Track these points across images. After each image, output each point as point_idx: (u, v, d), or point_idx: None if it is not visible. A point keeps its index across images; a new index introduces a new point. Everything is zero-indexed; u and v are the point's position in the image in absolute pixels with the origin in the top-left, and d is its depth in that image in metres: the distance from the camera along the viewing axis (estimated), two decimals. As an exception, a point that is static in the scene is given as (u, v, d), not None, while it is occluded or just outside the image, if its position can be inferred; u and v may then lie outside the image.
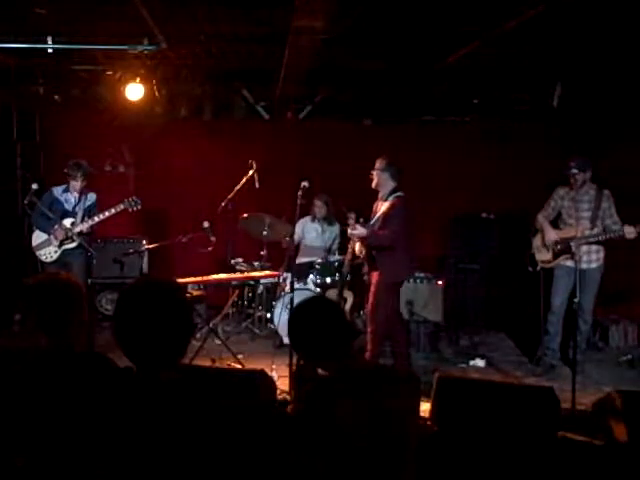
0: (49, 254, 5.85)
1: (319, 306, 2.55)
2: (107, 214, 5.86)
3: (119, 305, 1.99)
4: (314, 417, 2.25)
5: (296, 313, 2.56)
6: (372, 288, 5.29)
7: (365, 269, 5.54)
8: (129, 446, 1.82)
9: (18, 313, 6.51)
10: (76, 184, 5.91)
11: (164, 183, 7.92)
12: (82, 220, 5.88)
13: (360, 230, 5.11)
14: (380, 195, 5.33)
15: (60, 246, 5.82)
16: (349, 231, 5.28)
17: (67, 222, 5.87)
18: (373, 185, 5.32)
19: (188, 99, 7.59)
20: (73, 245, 5.84)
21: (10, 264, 6.98)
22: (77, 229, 5.83)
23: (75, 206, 5.96)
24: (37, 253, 5.91)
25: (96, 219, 5.87)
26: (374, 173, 5.30)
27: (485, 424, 2.87)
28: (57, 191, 5.99)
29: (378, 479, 2.22)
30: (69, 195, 5.98)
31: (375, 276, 5.23)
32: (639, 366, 6.02)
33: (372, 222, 5.27)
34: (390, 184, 5.27)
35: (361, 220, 5.23)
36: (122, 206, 5.88)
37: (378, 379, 2.38)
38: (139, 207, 5.94)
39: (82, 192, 5.97)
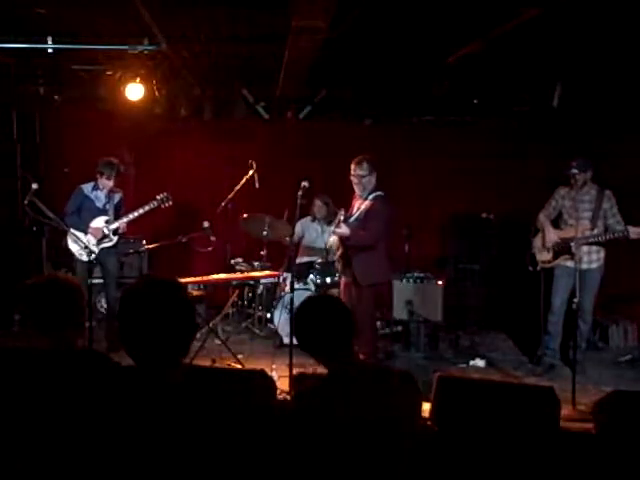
0: (86, 253, 5.87)
1: (326, 303, 2.55)
2: (141, 211, 5.99)
3: (122, 304, 1.99)
4: (313, 416, 2.26)
5: (303, 308, 2.53)
6: (344, 287, 5.27)
7: (338, 267, 5.50)
8: (130, 445, 1.82)
9: (18, 313, 6.52)
10: (108, 183, 5.98)
11: (164, 183, 7.89)
12: (115, 218, 5.97)
13: (344, 229, 5.07)
14: (360, 194, 5.27)
15: (98, 244, 5.89)
16: (333, 228, 5.24)
17: (101, 220, 5.96)
18: (360, 191, 5.25)
19: (188, 99, 7.59)
20: (111, 244, 5.95)
21: (10, 264, 6.98)
22: (113, 226, 5.93)
23: (106, 204, 6.03)
24: (74, 252, 5.96)
25: (131, 216, 5.98)
26: (358, 180, 5.19)
27: (485, 424, 2.87)
28: (87, 189, 6.06)
29: (375, 477, 2.22)
30: (99, 193, 6.05)
31: (349, 276, 5.20)
32: (639, 366, 6.03)
33: (351, 220, 5.22)
34: (373, 184, 5.23)
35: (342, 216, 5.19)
36: (155, 203, 6.00)
37: (376, 378, 2.39)
38: (170, 203, 6.10)
39: (111, 190, 6.06)
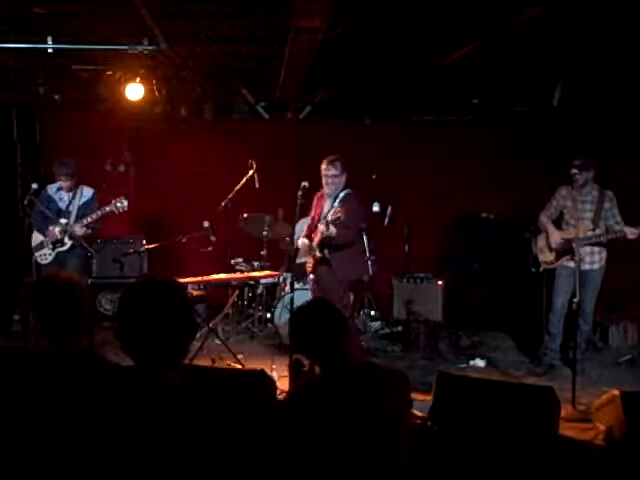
0: (44, 256, 5.80)
1: (320, 308, 2.64)
2: (94, 216, 5.74)
3: (122, 305, 1.99)
4: (307, 413, 2.27)
5: (297, 314, 2.66)
6: (315, 284, 5.25)
7: (308, 267, 5.43)
8: (130, 446, 1.82)
9: (18, 313, 6.53)
10: (63, 184, 5.81)
11: (164, 183, 7.92)
12: (76, 219, 5.77)
13: (332, 229, 5.05)
14: (330, 193, 5.26)
15: (54, 249, 5.77)
16: (322, 228, 5.09)
17: (61, 223, 5.77)
18: (332, 191, 5.23)
19: (188, 99, 7.59)
20: (65, 248, 5.76)
21: (10, 264, 6.98)
22: (73, 229, 5.70)
23: (68, 205, 5.87)
24: (35, 254, 5.85)
25: (85, 221, 5.71)
26: (332, 180, 5.19)
27: (485, 423, 2.87)
28: (51, 189, 5.92)
29: (370, 473, 2.23)
30: (62, 193, 5.90)
31: (324, 274, 5.18)
32: (639, 366, 6.02)
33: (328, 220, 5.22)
34: (343, 183, 5.24)
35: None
36: (108, 208, 5.72)
37: (370, 376, 2.42)
38: (125, 208, 5.73)
39: (76, 189, 5.86)
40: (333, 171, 5.21)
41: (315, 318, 2.55)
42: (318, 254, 5.24)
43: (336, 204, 5.15)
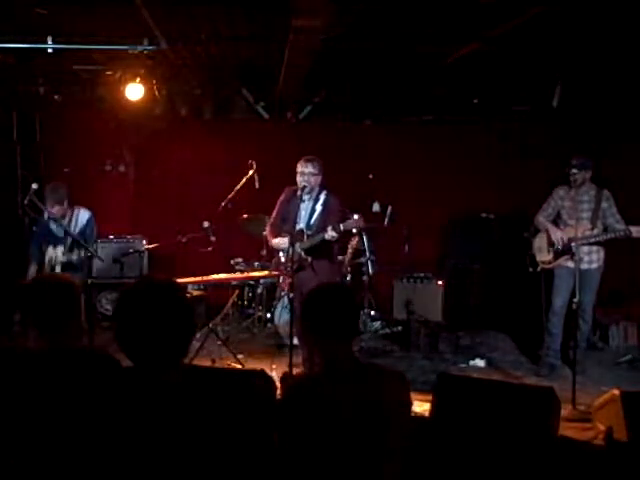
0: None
1: (340, 291, 2.56)
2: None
3: (120, 305, 1.99)
4: (305, 410, 2.28)
5: (318, 293, 2.55)
6: (297, 287, 5.22)
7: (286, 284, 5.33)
8: (129, 445, 1.82)
9: (18, 313, 6.52)
10: (51, 209, 5.37)
11: (164, 183, 7.92)
12: (71, 249, 5.42)
13: (333, 233, 5.00)
14: (307, 193, 5.20)
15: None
16: (331, 233, 4.96)
17: (58, 251, 5.49)
18: (307, 190, 5.17)
19: (188, 99, 7.60)
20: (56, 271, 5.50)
21: (10, 264, 6.98)
22: (65, 258, 5.43)
23: (65, 232, 5.44)
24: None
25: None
26: (310, 179, 5.14)
27: (485, 423, 2.87)
28: (46, 215, 5.49)
29: (368, 473, 2.23)
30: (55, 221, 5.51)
31: (309, 277, 5.14)
32: (639, 366, 6.02)
33: (312, 222, 5.20)
34: (319, 183, 5.25)
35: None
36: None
37: (369, 377, 2.41)
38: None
39: (71, 214, 5.51)
40: (310, 169, 5.18)
41: (335, 299, 2.45)
42: (304, 257, 5.22)
43: (319, 207, 5.15)
